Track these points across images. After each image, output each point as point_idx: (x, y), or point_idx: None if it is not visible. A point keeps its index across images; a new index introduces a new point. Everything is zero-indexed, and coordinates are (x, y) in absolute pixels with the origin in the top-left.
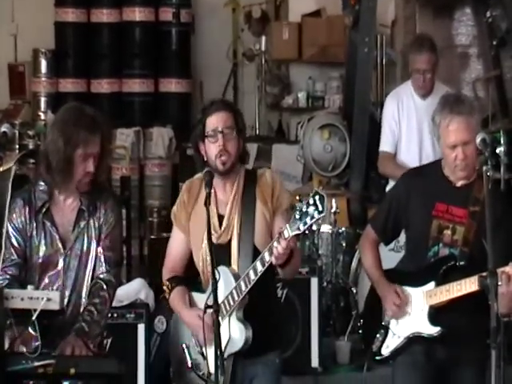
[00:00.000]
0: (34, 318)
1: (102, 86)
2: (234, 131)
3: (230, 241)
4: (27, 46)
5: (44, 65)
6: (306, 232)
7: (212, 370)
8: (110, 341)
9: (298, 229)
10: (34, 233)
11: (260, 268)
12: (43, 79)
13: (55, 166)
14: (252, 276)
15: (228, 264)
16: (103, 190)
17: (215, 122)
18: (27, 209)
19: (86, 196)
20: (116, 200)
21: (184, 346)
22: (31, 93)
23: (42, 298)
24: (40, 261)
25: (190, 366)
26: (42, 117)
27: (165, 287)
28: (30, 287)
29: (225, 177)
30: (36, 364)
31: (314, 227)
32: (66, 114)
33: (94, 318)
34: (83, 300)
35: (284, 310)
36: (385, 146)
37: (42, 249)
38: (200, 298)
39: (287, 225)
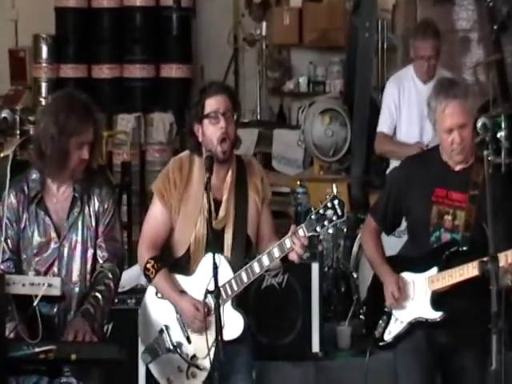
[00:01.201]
0: (35, 303)
1: (103, 71)
2: (233, 114)
3: (223, 227)
4: (28, 31)
5: (45, 50)
6: (321, 236)
7: (199, 354)
8: (110, 326)
9: (315, 230)
10: (27, 223)
11: (266, 262)
12: (44, 65)
13: (49, 155)
14: (257, 269)
15: (220, 250)
16: (96, 176)
17: (216, 103)
18: (20, 199)
19: (79, 183)
20: (110, 186)
21: (164, 326)
22: (32, 78)
23: (43, 283)
24: (35, 251)
25: (171, 347)
26: (43, 102)
27: (149, 266)
28: (30, 273)
29: (224, 162)
30: (37, 350)
31: (331, 230)
32: (59, 102)
33: (100, 304)
34: (80, 289)
35: (285, 295)
36: (382, 126)
37: (36, 239)
38: (185, 281)
39: (303, 224)
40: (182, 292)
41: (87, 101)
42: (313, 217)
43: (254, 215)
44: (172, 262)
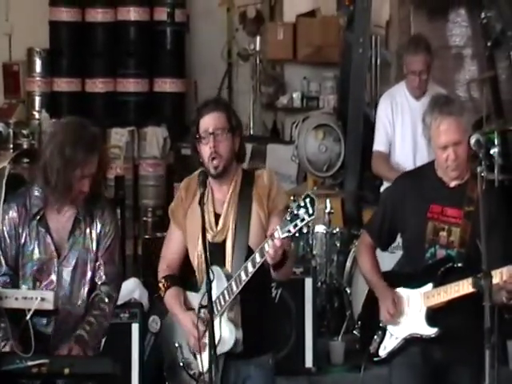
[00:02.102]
0: (28, 317)
1: (97, 85)
2: (225, 132)
3: (225, 240)
4: (22, 45)
5: (38, 64)
6: (297, 235)
7: (201, 368)
8: (104, 340)
9: (289, 231)
10: (28, 239)
11: (251, 269)
12: (38, 78)
13: (53, 185)
14: (243, 277)
15: (222, 263)
16: (99, 198)
17: (207, 123)
18: (21, 215)
19: (83, 205)
20: (112, 209)
21: (177, 344)
22: (26, 92)
23: (36, 297)
24: (34, 268)
25: (181, 364)
26: (37, 116)
27: (160, 285)
28: (24, 287)
29: (219, 177)
30: (30, 363)
31: (305, 229)
32: (67, 132)
33: (94, 329)
34: (78, 310)
35: (278, 310)
36: (378, 145)
37: (36, 256)
38: (194, 298)
39: (278, 226)
40: (190, 309)
41: (95, 132)
42: (287, 217)
43: (257, 228)
44: (188, 279)
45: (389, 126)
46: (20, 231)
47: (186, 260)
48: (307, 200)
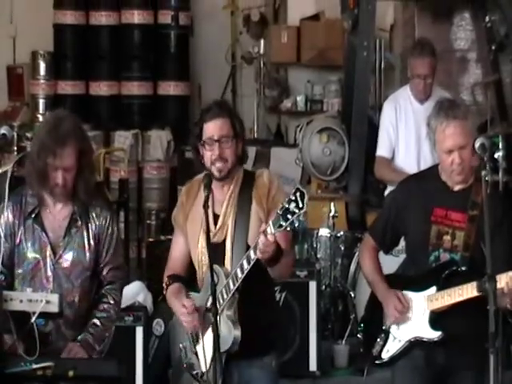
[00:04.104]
0: (32, 320)
1: (101, 88)
2: (230, 138)
3: (224, 240)
4: (26, 48)
5: (43, 67)
6: (288, 228)
7: (204, 369)
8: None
9: (280, 225)
10: (23, 238)
11: (246, 265)
12: (42, 81)
13: (31, 173)
14: (239, 274)
15: (222, 263)
16: (95, 197)
17: (211, 129)
18: (17, 213)
19: (79, 204)
20: (110, 209)
21: (181, 346)
22: (30, 95)
23: (41, 300)
24: (30, 267)
25: (184, 366)
26: (41, 119)
27: (164, 285)
28: (28, 289)
29: (222, 180)
30: (35, 366)
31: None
32: (46, 121)
33: (99, 333)
34: (76, 309)
35: (282, 313)
36: (381, 150)
37: (31, 255)
38: (197, 298)
39: (270, 221)
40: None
41: (72, 127)
42: (279, 212)
43: (256, 227)
44: (193, 280)
45: (392, 132)
46: (16, 230)
47: (191, 264)
48: (297, 194)
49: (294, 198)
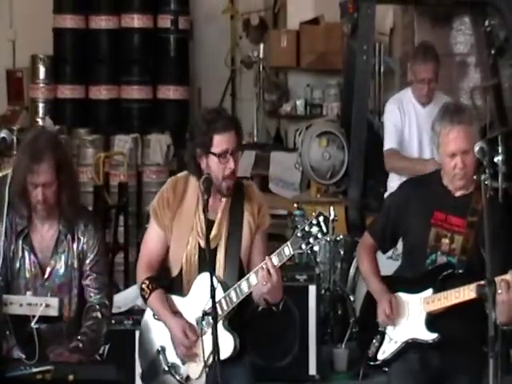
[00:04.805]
0: (32, 324)
1: (101, 92)
2: (239, 151)
3: (216, 248)
4: (25, 51)
5: (42, 71)
6: (309, 252)
7: (192, 375)
8: (107, 347)
9: (300, 248)
10: (15, 256)
11: (254, 282)
12: (41, 85)
13: (13, 195)
14: (245, 289)
15: (212, 270)
16: (80, 214)
17: (226, 143)
18: (9, 231)
19: (65, 223)
20: (96, 223)
21: (160, 347)
22: (29, 99)
23: (40, 304)
24: (23, 284)
25: (166, 369)
26: (40, 123)
27: (144, 286)
28: (28, 293)
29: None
30: (34, 370)
31: (316, 248)
32: (25, 139)
33: (90, 338)
34: (65, 325)
35: (282, 317)
36: (389, 143)
37: (22, 273)
38: (180, 302)
39: (288, 242)
40: (176, 313)
41: (50, 142)
42: (298, 234)
43: (247, 240)
44: (168, 282)
45: (400, 124)
46: (10, 245)
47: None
48: (320, 218)
49: (316, 221)
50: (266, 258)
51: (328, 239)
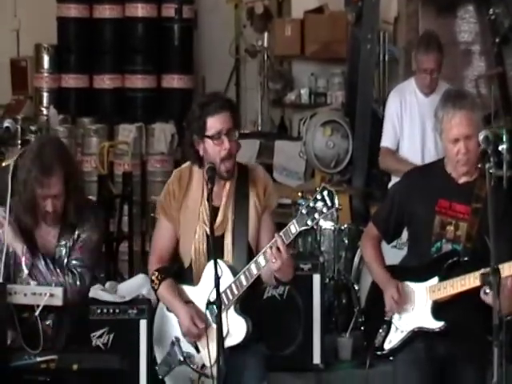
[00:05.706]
0: (37, 313)
1: (105, 81)
2: (235, 132)
3: (223, 233)
4: (29, 41)
5: (46, 60)
6: (314, 227)
7: (207, 363)
8: (112, 336)
9: (306, 224)
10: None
11: (263, 263)
12: (45, 74)
13: (18, 206)
14: (254, 271)
15: (220, 256)
16: (81, 213)
17: (219, 123)
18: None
19: (67, 227)
20: (97, 221)
21: (174, 339)
22: (33, 88)
23: (45, 293)
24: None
25: (182, 359)
26: (45, 112)
27: (153, 277)
28: (33, 283)
29: (228, 179)
30: (39, 359)
31: (322, 223)
32: (29, 150)
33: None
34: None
35: (286, 306)
36: (386, 141)
37: (25, 271)
38: (191, 291)
39: (294, 220)
40: (188, 302)
41: (58, 152)
42: (303, 211)
43: (254, 222)
44: (181, 272)
45: (397, 123)
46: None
47: (176, 252)
48: (324, 193)
49: (320, 196)
50: (276, 234)
51: (332, 227)
